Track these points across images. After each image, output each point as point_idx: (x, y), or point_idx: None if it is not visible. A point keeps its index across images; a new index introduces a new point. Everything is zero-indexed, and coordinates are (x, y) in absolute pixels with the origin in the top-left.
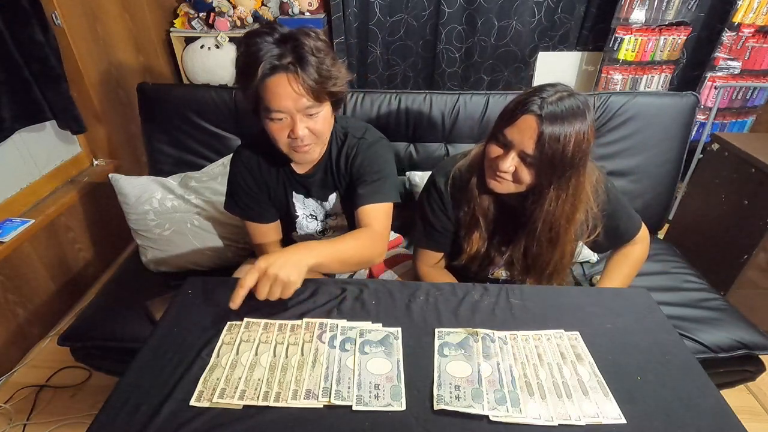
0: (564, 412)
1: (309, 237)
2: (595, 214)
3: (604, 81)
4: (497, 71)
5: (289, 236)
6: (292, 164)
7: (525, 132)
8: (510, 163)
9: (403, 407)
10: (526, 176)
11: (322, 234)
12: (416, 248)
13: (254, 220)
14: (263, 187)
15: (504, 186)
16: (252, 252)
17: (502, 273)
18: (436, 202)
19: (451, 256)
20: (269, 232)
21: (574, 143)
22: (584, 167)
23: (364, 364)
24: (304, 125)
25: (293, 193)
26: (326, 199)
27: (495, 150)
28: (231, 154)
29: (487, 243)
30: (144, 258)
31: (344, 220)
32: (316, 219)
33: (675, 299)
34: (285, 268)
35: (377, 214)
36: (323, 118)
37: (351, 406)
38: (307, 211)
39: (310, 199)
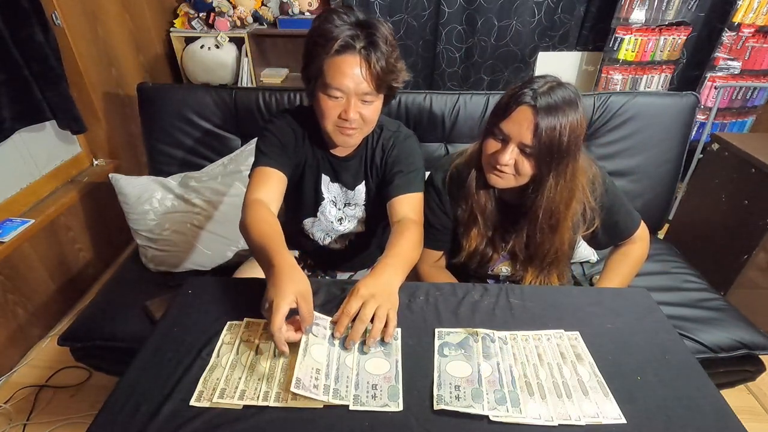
0: (564, 412)
1: (326, 224)
2: (593, 207)
3: (604, 81)
4: (497, 71)
5: (301, 224)
6: (332, 149)
7: (522, 123)
8: (510, 155)
9: (400, 408)
10: (527, 167)
11: (340, 223)
12: None
13: (271, 165)
14: (300, 152)
15: (505, 180)
16: (251, 254)
17: (502, 269)
18: (435, 201)
19: (451, 254)
20: (275, 181)
21: (569, 130)
22: (579, 152)
23: (362, 363)
24: (357, 110)
25: (322, 174)
26: (353, 189)
27: (493, 145)
28: (231, 154)
29: (486, 239)
30: (144, 258)
31: (362, 212)
32: (335, 206)
33: (675, 299)
34: (387, 302)
35: (415, 203)
36: (375, 108)
37: (348, 406)
38: (329, 195)
39: (335, 184)
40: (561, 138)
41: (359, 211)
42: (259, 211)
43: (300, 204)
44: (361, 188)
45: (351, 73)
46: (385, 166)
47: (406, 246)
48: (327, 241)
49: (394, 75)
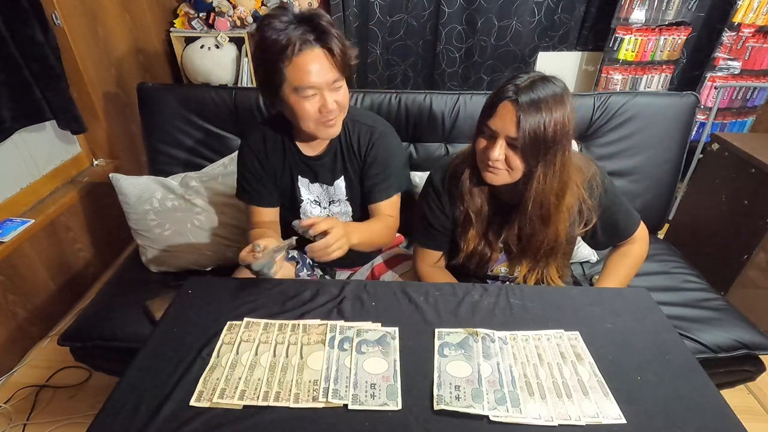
0: (564, 412)
1: None
2: (591, 205)
3: (604, 81)
4: (497, 71)
5: (291, 226)
6: (301, 146)
7: (505, 118)
8: (499, 150)
9: (399, 407)
10: (517, 161)
11: None
12: (416, 248)
13: (258, 204)
14: (270, 171)
15: (500, 176)
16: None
17: (501, 269)
18: (434, 201)
19: (449, 256)
20: (269, 215)
21: (553, 123)
22: (568, 142)
23: (360, 363)
24: (332, 98)
25: (299, 177)
26: (332, 184)
27: (482, 142)
28: (231, 154)
29: (483, 239)
30: (144, 258)
31: (348, 206)
32: (319, 205)
33: (675, 299)
34: (341, 242)
35: (391, 207)
36: (345, 90)
37: (347, 405)
38: (311, 196)
39: (315, 184)
40: (545, 131)
41: (344, 207)
42: (257, 234)
43: (282, 208)
44: (341, 183)
45: (317, 68)
46: (364, 163)
47: (375, 228)
48: (319, 239)
49: (350, 54)
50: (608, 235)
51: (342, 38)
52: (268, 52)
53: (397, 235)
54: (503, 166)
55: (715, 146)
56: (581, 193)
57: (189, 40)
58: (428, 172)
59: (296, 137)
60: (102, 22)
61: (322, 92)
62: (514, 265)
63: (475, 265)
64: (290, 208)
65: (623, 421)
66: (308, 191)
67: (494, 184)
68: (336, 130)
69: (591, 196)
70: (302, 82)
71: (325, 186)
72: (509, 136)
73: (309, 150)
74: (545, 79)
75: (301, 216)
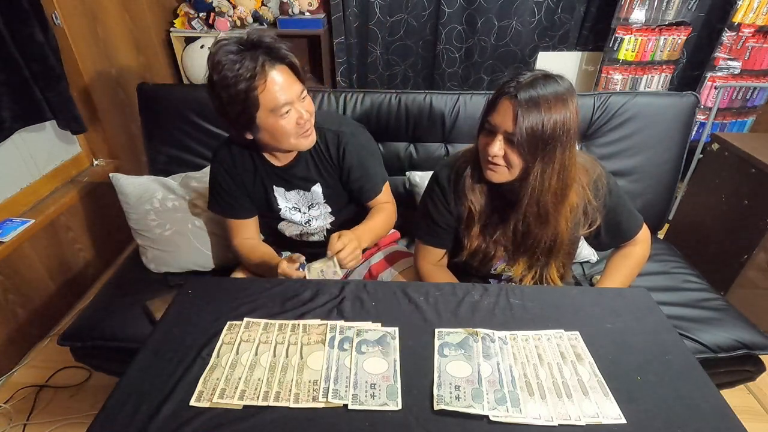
0: (564, 412)
1: (295, 227)
2: (595, 206)
3: (604, 81)
4: (497, 71)
5: (276, 229)
6: (269, 158)
7: (505, 114)
8: (498, 146)
9: (399, 407)
10: (515, 158)
11: (308, 224)
12: (418, 245)
13: (234, 217)
14: (241, 185)
15: (499, 173)
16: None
17: (505, 269)
18: (440, 199)
19: (453, 254)
20: (248, 226)
21: (552, 121)
22: (570, 140)
23: (360, 363)
24: (304, 109)
25: (273, 186)
26: (309, 190)
27: (484, 139)
28: None
29: (487, 237)
30: (144, 258)
31: (327, 207)
32: (299, 211)
33: (675, 299)
34: (356, 252)
35: (385, 196)
36: (309, 98)
37: (347, 405)
38: (289, 203)
39: (292, 191)
40: (543, 128)
41: (323, 209)
42: (246, 248)
43: (263, 217)
44: (317, 189)
45: (286, 84)
46: (341, 170)
47: (379, 222)
48: (305, 238)
49: (298, 60)
50: (611, 236)
51: (289, 52)
52: (236, 86)
53: (393, 231)
54: (502, 162)
55: (715, 146)
56: (587, 194)
57: (189, 40)
58: (428, 172)
59: (263, 150)
60: (102, 22)
61: (294, 106)
62: (511, 264)
63: (478, 263)
64: (269, 216)
65: (623, 421)
66: (285, 200)
67: (494, 181)
68: (313, 138)
69: (596, 197)
70: (278, 101)
71: (302, 192)
72: (507, 132)
73: (277, 161)
74: (549, 77)
75: (284, 220)
